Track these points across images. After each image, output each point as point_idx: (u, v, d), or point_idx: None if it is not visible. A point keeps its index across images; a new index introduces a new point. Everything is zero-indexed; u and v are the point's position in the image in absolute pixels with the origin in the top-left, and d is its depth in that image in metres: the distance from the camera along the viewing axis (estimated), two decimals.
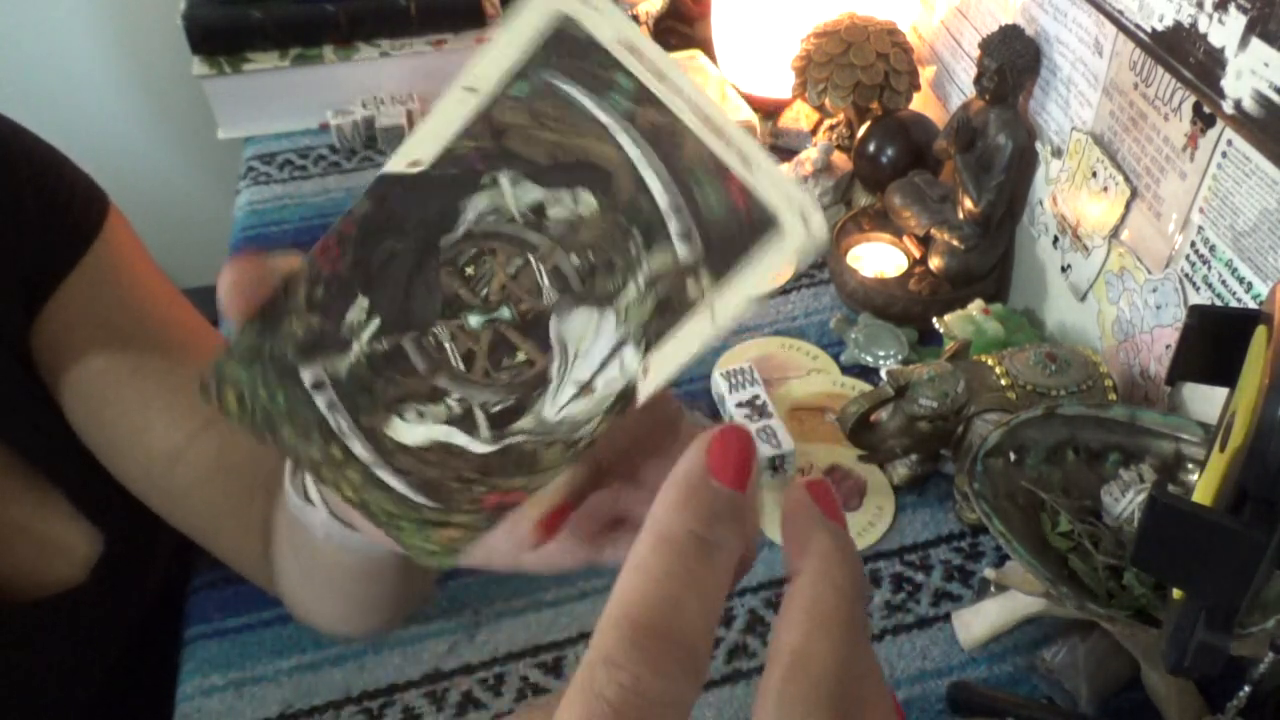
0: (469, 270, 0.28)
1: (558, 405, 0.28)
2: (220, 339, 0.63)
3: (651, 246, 0.26)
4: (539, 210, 0.27)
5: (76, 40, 1.59)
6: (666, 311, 0.26)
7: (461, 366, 0.28)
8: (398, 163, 0.27)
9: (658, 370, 0.27)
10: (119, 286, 0.59)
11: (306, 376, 0.29)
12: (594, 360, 0.27)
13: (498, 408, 0.28)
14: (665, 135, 0.25)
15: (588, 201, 0.26)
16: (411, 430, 0.29)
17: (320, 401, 0.29)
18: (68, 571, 0.61)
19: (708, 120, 0.25)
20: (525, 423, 0.28)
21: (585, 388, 0.27)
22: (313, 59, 1.10)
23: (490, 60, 0.26)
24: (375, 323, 0.28)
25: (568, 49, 0.25)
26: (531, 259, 0.27)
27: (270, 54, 1.10)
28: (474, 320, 0.28)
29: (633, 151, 0.26)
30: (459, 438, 0.28)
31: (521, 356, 0.28)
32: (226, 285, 0.30)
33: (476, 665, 0.66)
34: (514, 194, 0.27)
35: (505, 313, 0.28)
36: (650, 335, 0.27)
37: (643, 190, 0.26)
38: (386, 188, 0.28)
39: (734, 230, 0.25)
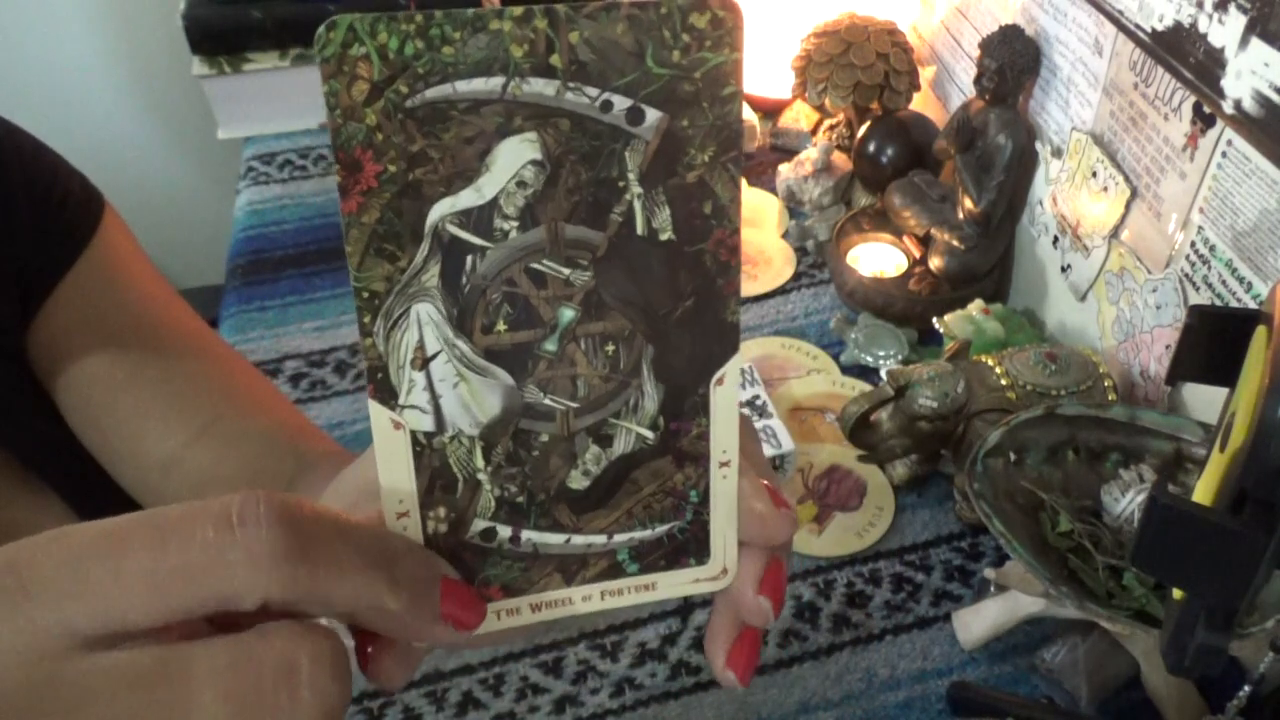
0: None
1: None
2: (219, 340, 0.63)
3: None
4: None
5: (76, 40, 1.59)
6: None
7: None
8: None
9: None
10: (115, 288, 0.59)
11: None
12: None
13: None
14: None
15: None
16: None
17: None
18: None
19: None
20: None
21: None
22: (313, 59, 1.10)
23: None
24: None
25: None
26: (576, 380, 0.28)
27: (270, 54, 1.10)
28: (549, 345, 0.28)
29: None
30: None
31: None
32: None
33: (476, 665, 0.66)
34: None
35: (549, 345, 0.28)
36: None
37: None
38: None
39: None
